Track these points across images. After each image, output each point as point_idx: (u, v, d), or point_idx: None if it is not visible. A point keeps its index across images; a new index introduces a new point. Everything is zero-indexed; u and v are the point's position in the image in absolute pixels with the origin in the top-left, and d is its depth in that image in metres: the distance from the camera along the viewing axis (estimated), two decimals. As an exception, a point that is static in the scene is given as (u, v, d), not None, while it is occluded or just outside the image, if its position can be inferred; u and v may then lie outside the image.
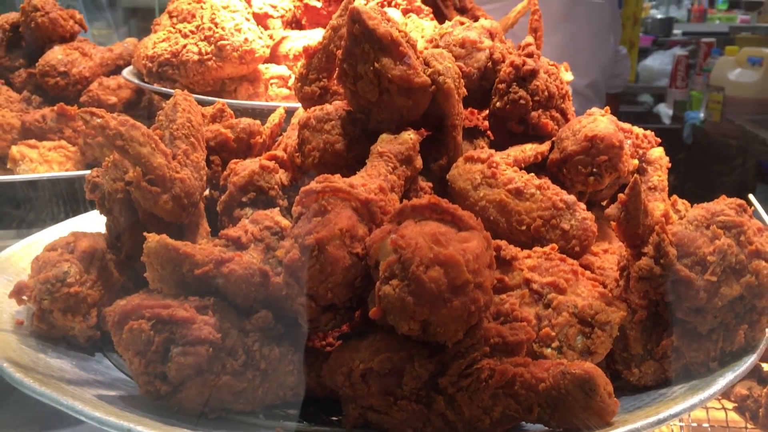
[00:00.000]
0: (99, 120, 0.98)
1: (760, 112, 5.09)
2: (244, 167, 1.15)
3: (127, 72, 1.98)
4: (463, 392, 0.80)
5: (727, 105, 5.28)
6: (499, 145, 1.20)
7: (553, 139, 1.17)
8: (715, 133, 5.35)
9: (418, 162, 1.06)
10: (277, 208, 1.09)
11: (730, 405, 1.36)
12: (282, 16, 1.94)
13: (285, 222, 1.01)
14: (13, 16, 2.15)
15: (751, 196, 1.68)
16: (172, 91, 1.69)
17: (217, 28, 1.67)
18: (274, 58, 1.85)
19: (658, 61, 7.11)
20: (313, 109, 1.15)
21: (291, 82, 1.76)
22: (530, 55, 1.17)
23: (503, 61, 1.20)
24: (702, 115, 5.73)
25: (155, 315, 0.86)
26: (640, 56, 7.03)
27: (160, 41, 1.77)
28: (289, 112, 1.40)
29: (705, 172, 5.34)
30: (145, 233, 0.91)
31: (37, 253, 1.12)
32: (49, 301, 0.99)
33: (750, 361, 0.90)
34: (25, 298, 1.03)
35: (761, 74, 5.21)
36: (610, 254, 1.08)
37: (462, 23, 1.25)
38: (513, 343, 0.83)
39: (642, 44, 7.17)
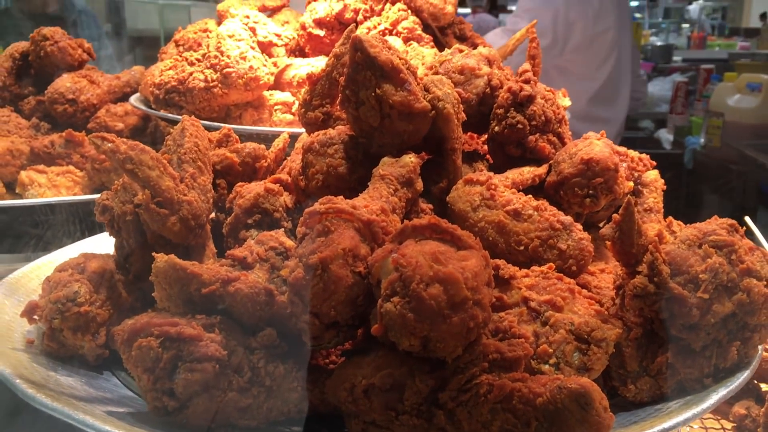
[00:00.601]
0: (110, 144, 1.02)
1: (760, 136, 5.13)
2: (250, 190, 1.18)
3: (134, 99, 2.02)
4: (462, 407, 0.82)
5: (727, 130, 5.33)
6: (497, 169, 1.23)
7: (551, 162, 1.20)
8: (716, 158, 5.39)
9: (419, 184, 1.09)
10: (282, 230, 1.12)
11: (728, 425, 1.37)
12: (286, 45, 1.98)
13: (289, 242, 1.04)
14: (22, 45, 2.20)
15: (747, 219, 1.71)
16: (178, 117, 1.74)
17: (222, 56, 1.72)
18: (278, 85, 1.89)
19: (658, 88, 7.19)
20: (316, 133, 1.19)
21: (295, 108, 1.80)
22: (527, 81, 1.21)
23: (501, 87, 1.23)
24: (702, 140, 5.78)
25: (163, 332, 0.89)
26: (640, 82, 7.10)
27: (167, 69, 1.81)
28: (293, 137, 1.43)
29: (706, 197, 5.38)
30: (153, 253, 0.94)
31: (46, 274, 1.16)
32: (60, 320, 1.02)
33: (743, 377, 0.92)
34: (36, 317, 1.06)
35: (760, 100, 5.27)
36: (606, 274, 1.10)
37: (461, 51, 1.29)
38: (511, 359, 0.85)
39: (642, 70, 7.24)
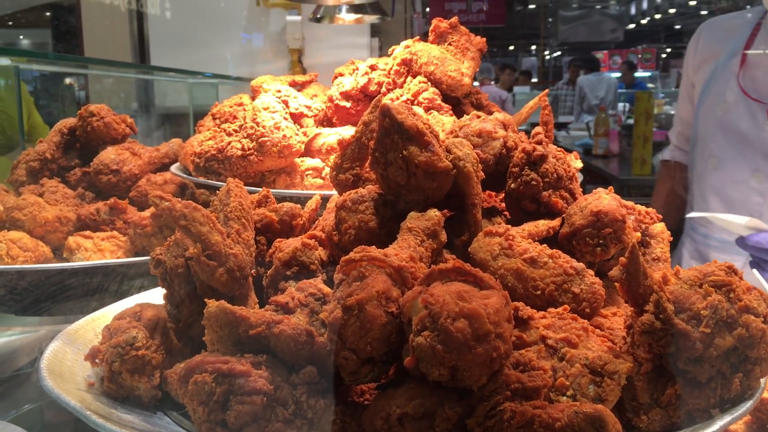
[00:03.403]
0: (167, 203, 1.14)
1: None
2: (288, 245, 1.30)
3: (174, 168, 2.17)
4: (488, 432, 0.91)
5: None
6: (514, 223, 1.33)
7: (563, 215, 1.31)
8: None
9: (443, 236, 1.19)
10: (319, 278, 1.22)
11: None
12: (315, 116, 2.13)
13: (327, 289, 1.14)
14: (70, 121, 2.37)
15: (755, 271, 1.79)
16: (217, 183, 1.87)
17: (258, 126, 1.86)
18: (308, 152, 2.02)
19: (674, 154, 7.30)
20: (348, 192, 1.30)
21: (324, 173, 1.93)
22: (539, 143, 1.33)
23: (516, 148, 1.35)
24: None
25: (216, 369, 0.99)
26: (654, 150, 7.24)
27: (206, 139, 1.96)
28: (324, 199, 1.55)
29: (724, 259, 5.38)
30: (206, 300, 1.04)
31: (100, 326, 1.27)
32: (119, 362, 1.12)
33: (746, 406, 0.99)
34: (98, 360, 1.17)
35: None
36: (618, 317, 1.19)
37: (478, 116, 1.42)
38: (531, 389, 0.94)
39: (656, 138, 7.39)
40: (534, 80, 21.31)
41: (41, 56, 3.83)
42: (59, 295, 1.74)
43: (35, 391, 1.88)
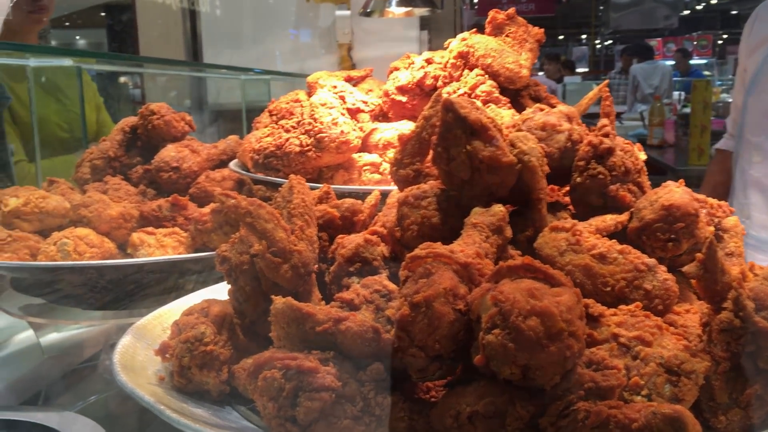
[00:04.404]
0: (233, 200, 1.15)
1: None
2: (351, 241, 1.29)
3: (233, 164, 2.19)
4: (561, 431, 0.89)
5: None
6: (580, 218, 1.30)
7: (632, 209, 1.27)
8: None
9: (508, 231, 1.18)
10: (384, 274, 1.22)
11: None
12: (372, 111, 2.12)
13: (392, 286, 1.14)
14: (132, 120, 2.42)
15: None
16: (276, 179, 1.89)
17: (316, 122, 1.87)
18: (365, 147, 2.02)
19: (732, 143, 7.10)
20: (410, 188, 1.29)
21: (382, 168, 1.93)
22: (606, 135, 1.30)
23: (581, 141, 1.32)
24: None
25: (285, 365, 0.99)
26: (712, 139, 7.05)
27: (264, 136, 1.97)
28: (383, 195, 1.54)
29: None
30: (272, 296, 1.05)
31: (168, 321, 1.29)
32: (189, 358, 1.14)
33: (832, 407, 0.95)
34: (168, 356, 1.19)
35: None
36: (692, 314, 1.15)
37: (541, 109, 1.40)
38: (606, 388, 0.91)
39: (714, 127, 7.19)
40: (584, 70, 20.94)
41: (99, 56, 3.92)
42: (138, 293, 1.78)
43: (100, 382, 1.93)
